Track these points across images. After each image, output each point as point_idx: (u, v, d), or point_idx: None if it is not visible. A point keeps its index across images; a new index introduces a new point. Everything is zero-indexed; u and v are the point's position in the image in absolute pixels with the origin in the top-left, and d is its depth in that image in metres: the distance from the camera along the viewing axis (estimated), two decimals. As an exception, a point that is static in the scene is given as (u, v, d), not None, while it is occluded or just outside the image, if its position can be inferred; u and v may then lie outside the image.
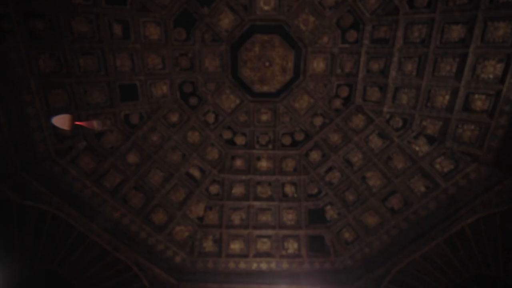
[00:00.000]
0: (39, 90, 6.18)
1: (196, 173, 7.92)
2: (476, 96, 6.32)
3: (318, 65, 7.31)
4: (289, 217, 8.03)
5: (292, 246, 7.89)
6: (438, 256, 6.70)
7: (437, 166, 7.02)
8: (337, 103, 7.64)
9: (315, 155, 8.01)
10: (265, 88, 7.67)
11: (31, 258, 6.32)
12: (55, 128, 6.50)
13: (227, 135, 8.01)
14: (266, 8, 6.74)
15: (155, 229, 7.48)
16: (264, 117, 7.95)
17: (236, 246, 7.88)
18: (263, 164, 8.15)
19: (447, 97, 6.60)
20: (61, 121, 6.62)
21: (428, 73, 6.62)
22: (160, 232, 7.51)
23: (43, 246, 6.38)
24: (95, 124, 6.19)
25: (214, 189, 8.02)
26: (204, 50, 7.11)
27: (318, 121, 7.85)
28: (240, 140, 8.06)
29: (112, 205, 7.09)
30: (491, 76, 6.09)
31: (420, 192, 7.18)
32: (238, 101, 7.80)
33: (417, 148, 7.19)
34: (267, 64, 7.39)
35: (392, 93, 7.12)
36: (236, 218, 8.03)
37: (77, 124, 6.74)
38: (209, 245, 7.86)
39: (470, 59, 6.14)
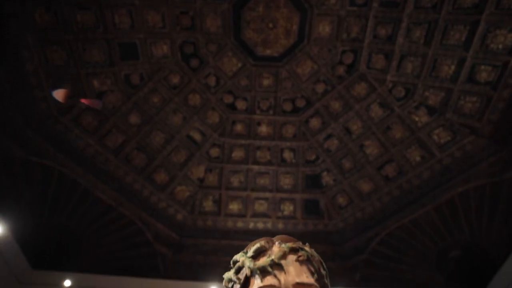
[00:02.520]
0: (37, 46, 6.06)
1: (196, 136, 8.03)
2: (482, 67, 6.20)
3: (324, 28, 7.05)
4: (286, 181, 8.30)
5: (288, 209, 8.26)
6: (426, 222, 7.06)
7: (435, 137, 7.10)
8: (341, 70, 7.50)
9: (315, 122, 8.05)
10: (268, 52, 7.48)
11: (40, 211, 6.68)
12: (55, 86, 6.47)
13: (228, 99, 7.98)
14: (272, -37, 6.34)
15: (157, 188, 7.78)
16: (266, 82, 7.86)
17: (234, 207, 8.25)
18: (263, 129, 8.23)
19: (453, 67, 6.47)
20: (60, 79, 6.56)
21: (436, 41, 6.42)
22: (162, 191, 7.82)
23: (50, 200, 6.70)
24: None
25: (214, 152, 8.20)
26: (205, 8, 6.81)
27: (320, 88, 7.77)
28: (241, 104, 8.05)
29: (115, 164, 7.31)
30: (500, 46, 5.93)
31: (415, 162, 7.35)
32: (240, 65, 7.65)
33: (416, 119, 7.21)
34: (270, 25, 7.12)
35: (397, 61, 6.96)
36: (235, 181, 8.30)
37: (77, 83, 6.69)
38: (209, 204, 8.22)
39: (481, 27, 5.92)
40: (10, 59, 5.80)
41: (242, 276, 0.83)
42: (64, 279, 6.75)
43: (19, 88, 6.02)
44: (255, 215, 8.26)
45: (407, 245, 7.30)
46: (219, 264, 7.63)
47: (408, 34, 6.64)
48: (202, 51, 7.37)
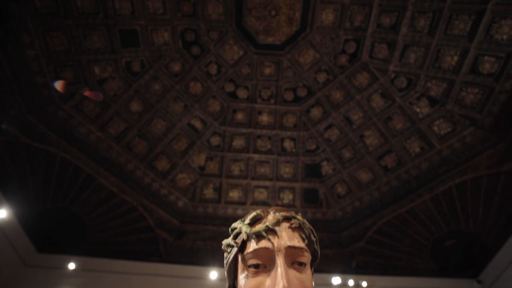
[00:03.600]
0: (37, 31, 6.01)
1: (197, 124, 8.07)
2: (486, 58, 6.15)
3: (327, 16, 6.96)
4: (286, 170, 8.39)
5: (287, 197, 8.38)
6: (422, 212, 7.18)
7: (435, 128, 7.12)
8: (343, 59, 7.45)
9: (316, 112, 8.06)
10: (270, 40, 7.41)
11: (44, 196, 6.80)
12: (56, 72, 6.47)
13: (229, 87, 7.96)
14: None
15: (158, 176, 7.89)
16: (267, 71, 7.82)
17: (234, 195, 8.38)
18: (264, 118, 8.25)
19: (456, 57, 6.42)
20: (61, 65, 6.54)
21: (440, 31, 6.34)
22: (163, 179, 7.93)
23: (54, 185, 6.81)
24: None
25: (215, 140, 8.25)
26: (207, -5, 6.71)
27: (321, 77, 7.74)
28: (242, 93, 8.04)
29: (117, 151, 7.38)
30: (505, 37, 5.86)
31: (414, 153, 7.40)
32: (241, 53, 7.60)
33: (418, 110, 7.21)
34: (273, 13, 7.03)
35: (400, 51, 6.90)
36: (236, 169, 8.40)
37: (78, 70, 6.68)
38: (209, 192, 8.35)
39: (487, 17, 5.84)
40: (10, 45, 5.77)
41: (239, 240, 0.91)
42: (69, 262, 6.95)
43: (20, 74, 6.02)
44: (255, 203, 8.39)
45: (404, 234, 7.45)
46: (219, 249, 7.81)
47: (412, 23, 6.55)
48: (203, 39, 7.30)
